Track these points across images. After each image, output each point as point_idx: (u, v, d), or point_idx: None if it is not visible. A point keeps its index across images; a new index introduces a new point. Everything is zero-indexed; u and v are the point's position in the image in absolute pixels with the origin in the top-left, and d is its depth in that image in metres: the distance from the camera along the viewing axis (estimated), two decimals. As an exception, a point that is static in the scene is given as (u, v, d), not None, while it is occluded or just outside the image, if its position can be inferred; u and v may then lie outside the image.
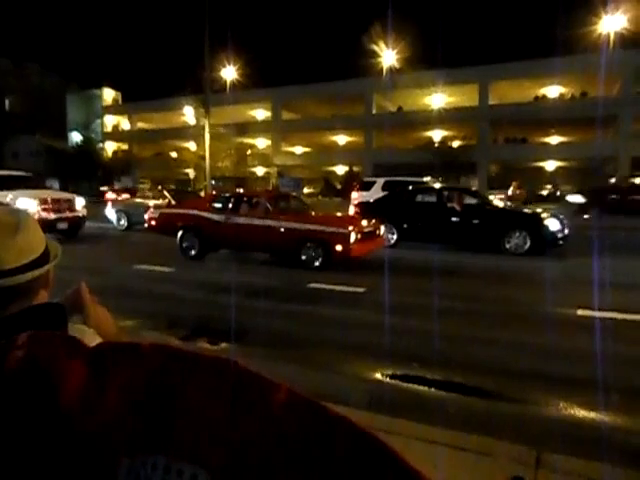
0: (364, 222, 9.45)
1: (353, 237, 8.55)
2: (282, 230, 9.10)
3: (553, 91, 40.39)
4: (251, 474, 0.43)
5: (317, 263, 8.77)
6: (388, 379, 4.09)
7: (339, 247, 8.54)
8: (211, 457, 0.45)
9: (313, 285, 7.54)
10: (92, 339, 0.95)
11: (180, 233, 10.19)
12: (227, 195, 10.93)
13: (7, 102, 61.37)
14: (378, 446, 0.41)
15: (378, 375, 4.17)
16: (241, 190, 13.43)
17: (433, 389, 3.87)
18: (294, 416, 0.44)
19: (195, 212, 10.22)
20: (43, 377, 0.54)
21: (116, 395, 0.50)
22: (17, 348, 0.56)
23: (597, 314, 5.62)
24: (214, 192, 17.80)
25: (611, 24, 35.57)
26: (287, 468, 0.42)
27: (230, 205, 10.00)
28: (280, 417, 0.44)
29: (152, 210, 11.23)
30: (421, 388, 3.89)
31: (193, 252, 10.07)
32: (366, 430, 0.42)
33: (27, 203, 11.80)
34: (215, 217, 9.87)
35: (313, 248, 8.81)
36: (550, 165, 41.31)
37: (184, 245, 10.17)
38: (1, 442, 0.53)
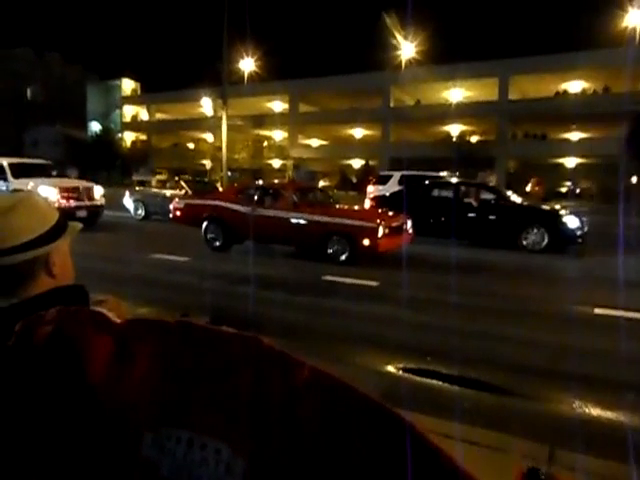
0: (391, 216, 9.36)
1: (381, 231, 8.48)
2: (308, 223, 9.04)
3: (575, 86, 39.64)
4: (273, 449, 0.44)
5: (343, 257, 8.70)
6: (401, 372, 4.09)
7: (366, 241, 8.46)
8: (234, 432, 0.46)
9: (328, 278, 7.55)
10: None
11: (205, 224, 10.17)
12: (254, 187, 10.89)
13: (28, 91, 62.15)
14: (403, 424, 0.41)
15: (391, 368, 4.17)
16: (261, 182, 13.38)
17: (447, 384, 3.86)
18: (317, 393, 0.45)
19: (220, 203, 10.21)
20: (71, 352, 0.55)
21: (142, 370, 0.51)
22: (46, 323, 0.58)
23: (614, 313, 5.54)
24: (235, 184, 17.84)
25: (637, 18, 34.75)
26: (310, 443, 0.43)
27: (256, 197, 9.99)
28: (303, 393, 0.45)
29: (177, 200, 11.27)
30: (435, 382, 3.88)
31: (217, 243, 10.04)
32: (391, 409, 0.42)
33: (47, 191, 11.96)
34: (241, 209, 9.82)
35: (339, 242, 8.76)
36: (570, 162, 40.62)
37: (209, 236, 10.15)
38: (31, 414, 0.54)
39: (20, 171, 12.83)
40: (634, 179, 29.89)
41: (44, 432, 0.53)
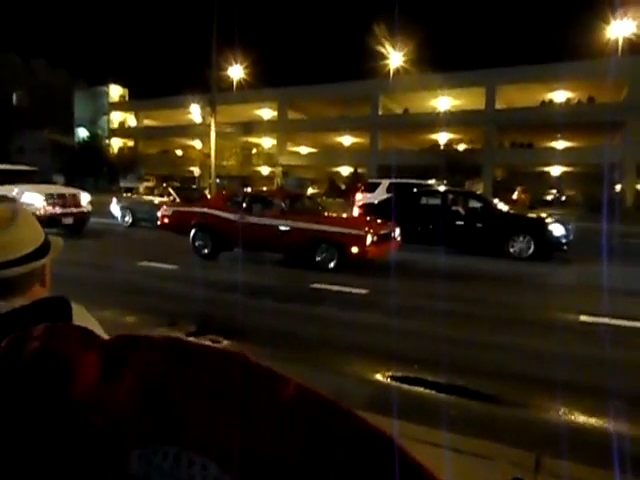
0: (379, 224, 9.43)
1: (369, 239, 8.53)
2: (296, 230, 9.06)
3: (560, 96, 40.30)
4: (260, 466, 0.45)
5: (332, 265, 8.73)
6: (389, 380, 4.10)
7: (355, 249, 8.51)
8: (221, 448, 0.46)
9: (316, 285, 7.55)
10: (99, 333, 0.96)
11: (193, 231, 10.10)
12: (242, 194, 10.87)
13: (14, 97, 61.65)
14: (385, 440, 0.42)
15: (379, 376, 4.18)
16: (249, 189, 13.36)
17: (434, 391, 3.87)
18: (303, 410, 0.45)
19: (209, 210, 10.17)
20: (57, 369, 0.55)
21: (129, 387, 0.51)
22: (32, 339, 0.58)
23: (600, 320, 5.61)
24: (224, 191, 17.81)
25: (619, 30, 35.48)
26: (296, 461, 0.43)
27: (244, 204, 9.98)
28: (289, 411, 0.45)
29: (165, 207, 11.19)
30: (422, 390, 3.90)
31: (206, 251, 9.98)
32: (374, 425, 0.43)
33: (33, 198, 11.82)
34: (229, 216, 9.79)
35: (328, 249, 8.79)
36: (556, 170, 41.20)
37: (197, 244, 10.08)
38: (16, 432, 0.54)
39: (4, 177, 12.66)
40: (618, 187, 30.33)
41: (30, 450, 0.53)
